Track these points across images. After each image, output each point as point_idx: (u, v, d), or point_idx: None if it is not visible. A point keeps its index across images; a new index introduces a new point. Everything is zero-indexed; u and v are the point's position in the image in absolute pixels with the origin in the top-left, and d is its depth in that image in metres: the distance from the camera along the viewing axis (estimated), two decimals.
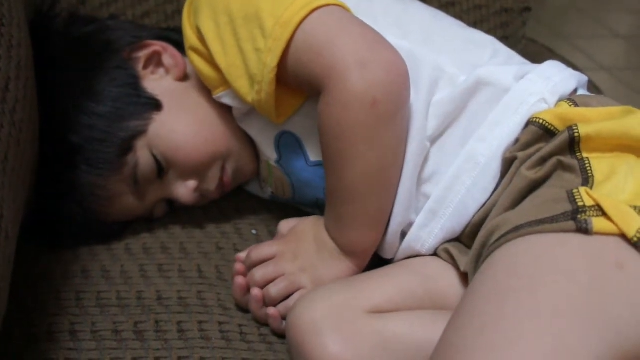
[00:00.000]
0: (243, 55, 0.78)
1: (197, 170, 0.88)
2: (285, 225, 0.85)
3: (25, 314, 0.76)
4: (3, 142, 0.65)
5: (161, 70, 0.91)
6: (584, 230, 0.65)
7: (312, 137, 0.82)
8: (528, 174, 0.73)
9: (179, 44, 0.91)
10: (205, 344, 0.75)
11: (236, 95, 0.82)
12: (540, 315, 0.62)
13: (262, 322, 0.79)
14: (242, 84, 0.79)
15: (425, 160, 0.79)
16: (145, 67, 0.90)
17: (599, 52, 2.44)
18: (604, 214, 0.65)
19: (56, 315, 0.77)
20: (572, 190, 0.68)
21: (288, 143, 0.86)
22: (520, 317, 0.62)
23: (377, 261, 0.82)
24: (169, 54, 0.90)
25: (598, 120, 0.73)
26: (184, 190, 0.88)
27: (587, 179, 0.70)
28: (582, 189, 0.68)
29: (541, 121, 0.74)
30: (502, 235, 0.68)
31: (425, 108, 0.78)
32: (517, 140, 0.76)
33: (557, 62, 0.83)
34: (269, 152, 0.88)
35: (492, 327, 0.62)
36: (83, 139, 0.83)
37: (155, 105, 0.87)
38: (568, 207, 0.67)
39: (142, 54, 0.90)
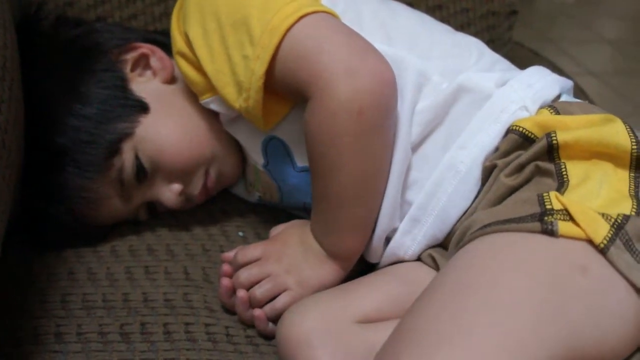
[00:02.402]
0: (231, 62, 0.78)
1: (181, 174, 0.88)
2: (276, 230, 0.86)
3: (11, 317, 0.76)
4: None
5: (148, 73, 0.90)
6: (550, 231, 0.66)
7: (299, 142, 0.82)
8: (507, 180, 0.73)
9: (167, 47, 0.91)
10: (191, 345, 0.75)
11: (223, 101, 0.82)
12: (494, 309, 0.62)
13: (248, 324, 0.79)
14: (229, 91, 0.79)
15: (408, 167, 0.79)
16: (132, 69, 0.90)
17: (587, 57, 2.45)
18: (571, 218, 0.66)
19: (41, 318, 0.76)
20: (542, 193, 0.69)
21: (275, 148, 0.86)
22: (475, 310, 0.63)
23: (363, 265, 0.83)
24: (157, 57, 0.90)
25: (577, 127, 0.73)
26: (169, 194, 0.88)
27: (562, 183, 0.71)
28: (552, 193, 0.68)
29: (521, 129, 0.75)
30: (472, 234, 0.69)
31: (409, 115, 0.78)
32: (497, 148, 0.76)
33: (540, 67, 0.83)
34: (257, 157, 0.88)
35: (445, 318, 0.63)
36: (70, 140, 0.83)
37: (142, 107, 0.86)
38: (537, 209, 0.68)
39: (130, 56, 0.90)
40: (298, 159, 0.85)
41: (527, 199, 0.70)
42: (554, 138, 0.72)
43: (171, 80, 0.90)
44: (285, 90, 0.78)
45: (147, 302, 0.80)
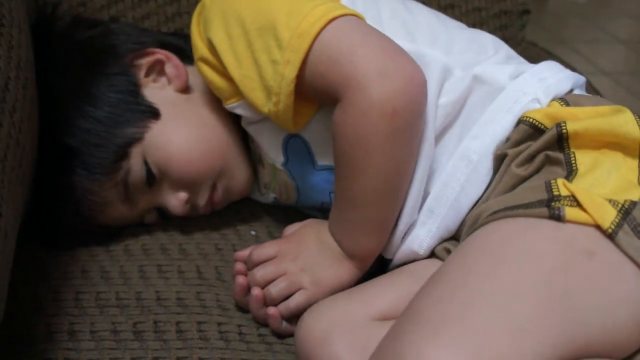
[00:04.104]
0: (258, 66, 0.78)
1: (189, 184, 0.88)
2: (290, 228, 0.85)
3: (24, 314, 0.76)
4: (2, 142, 0.65)
5: (163, 79, 0.90)
6: (557, 217, 0.66)
7: (320, 141, 0.82)
8: (518, 171, 0.74)
9: (183, 52, 0.91)
10: (203, 344, 0.75)
11: (250, 106, 0.82)
12: (500, 293, 0.63)
13: (262, 323, 0.79)
14: (257, 95, 0.79)
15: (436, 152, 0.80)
16: (147, 74, 0.89)
17: (599, 57, 2.44)
18: (579, 205, 0.66)
19: (55, 316, 0.77)
20: (550, 180, 0.70)
21: (296, 147, 0.86)
22: (481, 293, 0.63)
23: (376, 265, 0.82)
24: (172, 64, 0.90)
25: (586, 118, 0.74)
26: (175, 201, 0.88)
27: (570, 172, 0.71)
28: (560, 180, 0.69)
29: (531, 120, 0.76)
30: (481, 221, 0.70)
31: (434, 110, 0.78)
32: (508, 139, 0.77)
33: (554, 62, 0.83)
34: (276, 155, 0.88)
35: (451, 300, 0.64)
36: (80, 142, 0.83)
37: (153, 113, 0.86)
38: (544, 195, 0.68)
39: (145, 61, 0.90)
40: (318, 158, 0.85)
41: (535, 187, 0.70)
42: (564, 128, 0.73)
43: (185, 89, 0.90)
44: (313, 92, 0.78)
45: (160, 300, 0.80)
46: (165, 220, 0.92)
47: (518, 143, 0.76)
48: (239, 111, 0.85)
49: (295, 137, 0.85)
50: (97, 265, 0.85)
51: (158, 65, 0.90)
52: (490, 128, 0.77)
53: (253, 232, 0.92)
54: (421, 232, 0.80)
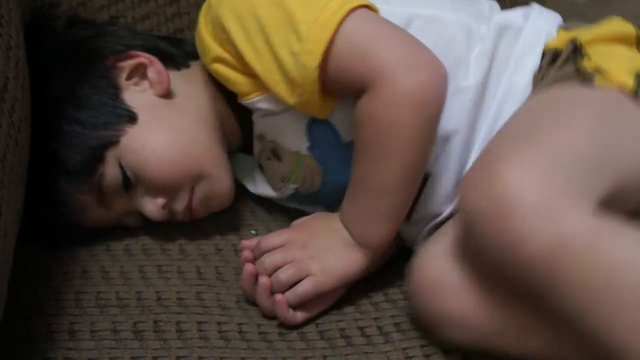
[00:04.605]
0: (278, 60, 0.79)
1: (165, 189, 0.87)
2: (298, 222, 0.86)
3: (24, 314, 0.76)
4: (2, 141, 0.65)
5: (145, 83, 0.90)
6: (589, 81, 0.77)
7: (343, 119, 0.84)
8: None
9: (169, 56, 0.91)
10: (203, 343, 0.75)
11: (275, 98, 0.83)
12: (564, 128, 0.72)
13: (269, 313, 0.79)
14: (282, 88, 0.80)
15: (479, 102, 0.85)
16: (128, 77, 0.89)
17: None
18: (602, 75, 0.78)
19: (55, 315, 0.77)
20: (576, 65, 0.81)
21: (320, 129, 0.87)
22: (549, 128, 0.72)
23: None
24: (155, 69, 0.90)
25: (590, 30, 0.86)
26: (151, 206, 0.88)
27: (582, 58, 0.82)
28: (584, 60, 0.81)
29: (554, 47, 0.85)
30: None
31: (466, 63, 0.85)
32: (539, 68, 0.85)
33: (536, 4, 0.95)
34: (299, 142, 0.88)
35: (520, 135, 0.72)
36: (60, 144, 0.83)
37: (130, 117, 0.86)
38: (571, 71, 0.80)
39: (127, 64, 0.89)
40: (344, 135, 0.86)
41: (565, 72, 0.81)
42: (577, 40, 0.84)
43: (167, 94, 0.90)
44: (336, 82, 0.80)
45: (160, 300, 0.80)
46: (149, 223, 0.91)
47: (548, 68, 0.85)
48: (261, 105, 0.85)
49: (318, 120, 0.86)
50: (97, 265, 0.85)
51: (140, 69, 0.90)
52: (524, 63, 0.86)
53: (253, 232, 0.93)
54: None
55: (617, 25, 0.87)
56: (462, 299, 0.74)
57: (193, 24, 1.06)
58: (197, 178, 0.88)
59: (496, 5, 0.94)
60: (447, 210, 0.85)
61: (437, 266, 0.76)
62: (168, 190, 0.87)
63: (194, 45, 0.99)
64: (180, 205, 0.88)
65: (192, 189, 0.88)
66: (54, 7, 0.96)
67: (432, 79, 0.77)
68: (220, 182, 0.90)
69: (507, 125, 0.77)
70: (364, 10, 0.80)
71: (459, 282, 0.74)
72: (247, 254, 0.81)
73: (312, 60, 0.77)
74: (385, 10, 0.82)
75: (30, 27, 0.86)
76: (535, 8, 0.93)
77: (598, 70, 0.78)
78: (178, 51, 0.95)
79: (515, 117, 0.78)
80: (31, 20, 0.90)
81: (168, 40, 0.98)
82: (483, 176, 0.68)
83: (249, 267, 0.80)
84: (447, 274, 0.75)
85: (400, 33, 0.80)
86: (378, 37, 0.79)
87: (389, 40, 0.79)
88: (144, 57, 0.90)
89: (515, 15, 0.90)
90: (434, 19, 0.86)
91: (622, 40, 0.86)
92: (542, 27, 0.88)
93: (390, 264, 0.88)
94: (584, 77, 0.78)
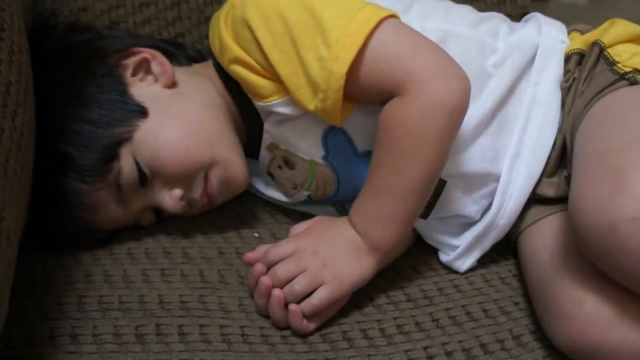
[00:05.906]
0: (303, 64, 0.80)
1: (180, 179, 0.87)
2: (298, 227, 0.85)
3: (27, 318, 0.76)
4: (4, 145, 0.65)
5: (150, 78, 0.90)
6: (634, 82, 0.81)
7: (360, 130, 0.86)
8: (582, 88, 0.87)
9: (172, 54, 0.92)
10: (206, 346, 0.75)
11: (293, 103, 0.83)
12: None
13: (282, 324, 0.79)
14: (304, 92, 0.81)
15: (503, 111, 0.89)
16: (133, 74, 0.90)
17: None
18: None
19: (58, 319, 0.77)
20: (612, 68, 0.85)
21: (336, 138, 0.87)
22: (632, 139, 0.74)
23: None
24: (158, 62, 0.90)
25: (604, 31, 0.91)
26: (169, 199, 0.88)
27: (616, 62, 0.86)
28: (618, 65, 0.85)
29: (577, 50, 0.91)
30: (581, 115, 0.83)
31: (484, 76, 0.88)
32: (564, 72, 0.90)
33: (539, 14, 0.99)
34: (315, 150, 0.89)
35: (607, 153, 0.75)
36: (70, 145, 0.83)
37: (141, 112, 0.86)
38: (615, 76, 0.83)
39: (131, 61, 0.90)
40: (359, 144, 0.87)
41: (604, 79, 0.84)
42: (601, 42, 0.89)
43: (172, 84, 0.90)
44: (364, 89, 0.81)
45: (162, 304, 0.80)
46: (161, 221, 0.91)
47: (573, 71, 0.89)
48: (279, 109, 0.85)
49: (334, 129, 0.86)
50: (100, 269, 0.85)
51: (144, 64, 0.90)
52: (545, 72, 0.90)
53: (256, 234, 0.92)
54: (512, 174, 0.88)
55: (626, 25, 0.92)
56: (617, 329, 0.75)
57: (194, 28, 1.06)
58: (209, 163, 0.88)
59: (510, 22, 0.97)
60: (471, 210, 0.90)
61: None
62: (183, 179, 0.88)
63: (195, 49, 1.00)
64: (197, 193, 0.89)
65: (207, 176, 0.89)
66: (55, 12, 0.96)
67: (461, 87, 0.79)
68: (233, 164, 0.90)
69: (589, 141, 0.79)
70: (392, 19, 0.81)
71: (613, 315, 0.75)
72: (259, 267, 0.80)
73: (341, 67, 0.78)
74: (404, 21, 0.83)
75: (31, 32, 0.86)
76: (541, 18, 0.96)
77: (636, 72, 0.82)
78: (179, 53, 0.96)
79: (593, 132, 0.80)
80: (32, 25, 0.90)
81: (169, 43, 0.99)
82: (612, 192, 0.69)
83: (265, 280, 0.79)
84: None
85: (431, 42, 0.82)
86: (413, 45, 0.81)
87: (424, 48, 0.81)
88: (146, 52, 0.91)
89: (529, 30, 0.94)
90: (450, 34, 0.88)
91: (633, 39, 0.91)
92: (556, 37, 0.92)
93: (390, 265, 0.88)
94: (631, 81, 0.82)
